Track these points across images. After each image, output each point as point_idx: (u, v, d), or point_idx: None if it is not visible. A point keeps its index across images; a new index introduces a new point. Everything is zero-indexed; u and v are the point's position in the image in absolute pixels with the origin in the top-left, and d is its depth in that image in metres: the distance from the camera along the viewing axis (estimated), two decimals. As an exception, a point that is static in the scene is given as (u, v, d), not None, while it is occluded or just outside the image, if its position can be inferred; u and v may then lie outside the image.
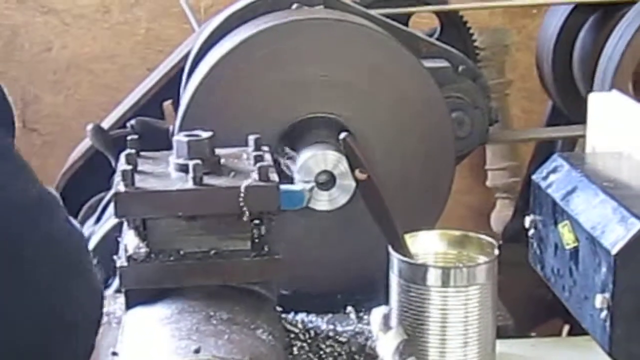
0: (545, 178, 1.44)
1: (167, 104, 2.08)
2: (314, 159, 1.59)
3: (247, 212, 1.39)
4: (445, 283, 1.35)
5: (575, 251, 1.32)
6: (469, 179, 2.78)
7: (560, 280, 1.38)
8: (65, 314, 1.08)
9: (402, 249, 1.41)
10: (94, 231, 1.89)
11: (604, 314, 1.23)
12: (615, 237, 1.22)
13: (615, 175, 1.38)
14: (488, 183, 2.67)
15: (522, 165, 2.52)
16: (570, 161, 1.43)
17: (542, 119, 2.29)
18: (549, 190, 1.40)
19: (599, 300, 1.23)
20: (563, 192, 1.38)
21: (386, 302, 1.42)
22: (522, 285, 1.77)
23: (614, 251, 1.21)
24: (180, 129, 1.61)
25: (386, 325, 1.38)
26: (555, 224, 1.38)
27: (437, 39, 1.94)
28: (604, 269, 1.23)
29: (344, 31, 1.67)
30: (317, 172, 1.59)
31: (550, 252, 1.41)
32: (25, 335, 1.04)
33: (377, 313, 1.41)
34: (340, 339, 1.56)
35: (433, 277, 1.36)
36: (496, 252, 1.40)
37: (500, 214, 2.62)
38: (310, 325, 1.60)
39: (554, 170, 1.44)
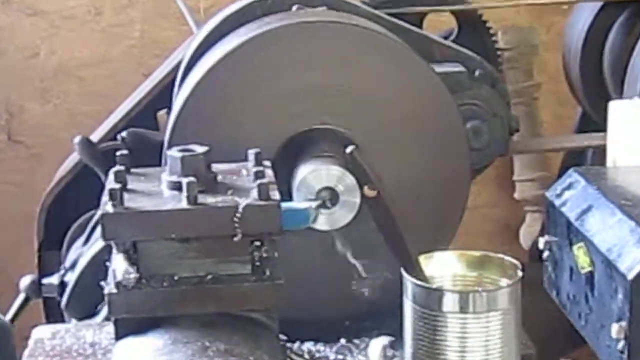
0: (559, 195, 1.46)
1: (162, 113, 2.08)
2: (314, 175, 1.60)
3: (240, 234, 1.41)
4: (463, 309, 1.35)
5: (590, 276, 1.33)
6: (496, 191, 2.78)
7: (575, 307, 1.40)
8: None
9: (416, 272, 1.41)
10: (82, 253, 1.91)
11: (620, 344, 1.24)
12: (632, 261, 1.23)
13: (635, 192, 1.39)
14: (516, 195, 2.67)
15: (553, 175, 2.50)
16: (587, 177, 1.44)
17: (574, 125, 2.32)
18: (563, 209, 1.42)
19: (616, 329, 1.23)
20: (578, 211, 1.39)
21: (400, 329, 1.42)
22: (551, 308, 1.78)
23: (630, 276, 1.22)
24: (171, 143, 1.64)
25: (385, 357, 1.40)
26: (570, 245, 1.39)
27: (454, 41, 1.96)
28: (620, 296, 1.23)
29: (348, 35, 1.68)
30: (318, 189, 1.59)
31: (566, 277, 1.43)
32: None
33: (376, 344, 1.44)
34: (350, 369, 1.59)
35: (450, 302, 1.36)
36: (520, 274, 1.39)
37: (530, 229, 2.61)
38: (317, 355, 1.63)
39: (568, 187, 1.46)
